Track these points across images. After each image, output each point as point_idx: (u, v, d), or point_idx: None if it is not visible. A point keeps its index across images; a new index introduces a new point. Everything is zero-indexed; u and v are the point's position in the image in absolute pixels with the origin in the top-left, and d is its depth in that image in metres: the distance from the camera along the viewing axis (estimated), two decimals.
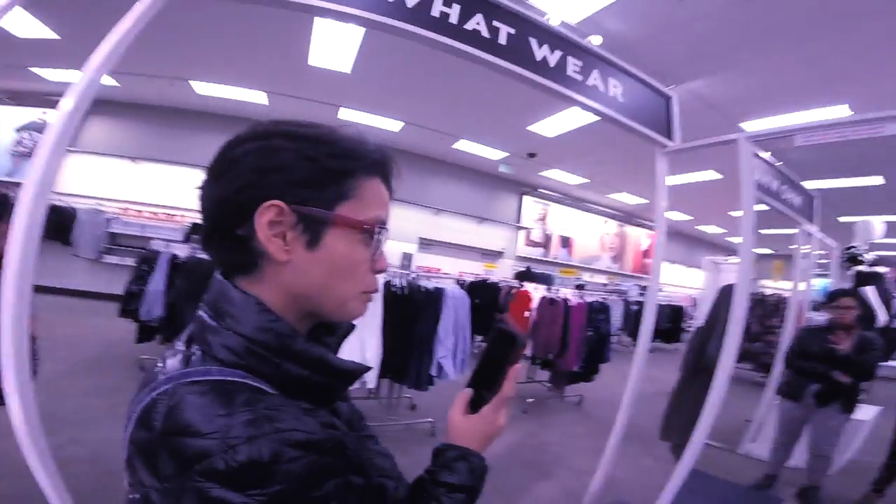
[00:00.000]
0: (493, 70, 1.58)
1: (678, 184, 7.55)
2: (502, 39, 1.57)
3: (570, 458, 3.35)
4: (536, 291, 4.51)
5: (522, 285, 4.85)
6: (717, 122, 4.89)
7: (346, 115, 6.53)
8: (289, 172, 0.47)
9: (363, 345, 2.91)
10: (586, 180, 9.04)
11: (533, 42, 1.64)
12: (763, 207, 2.70)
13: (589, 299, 4.53)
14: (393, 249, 8.06)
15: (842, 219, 6.28)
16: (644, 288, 9.68)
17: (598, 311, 4.45)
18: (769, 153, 2.81)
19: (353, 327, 0.62)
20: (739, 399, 4.12)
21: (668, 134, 2.12)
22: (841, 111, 4.31)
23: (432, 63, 4.54)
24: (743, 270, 1.89)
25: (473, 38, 1.51)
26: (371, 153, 0.52)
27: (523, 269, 9.39)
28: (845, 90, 4.01)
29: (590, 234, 11.63)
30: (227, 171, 0.47)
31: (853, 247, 4.17)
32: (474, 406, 0.61)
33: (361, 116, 6.54)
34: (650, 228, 12.23)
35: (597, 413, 4.45)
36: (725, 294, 2.32)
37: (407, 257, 7.71)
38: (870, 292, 3.90)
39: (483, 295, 5.10)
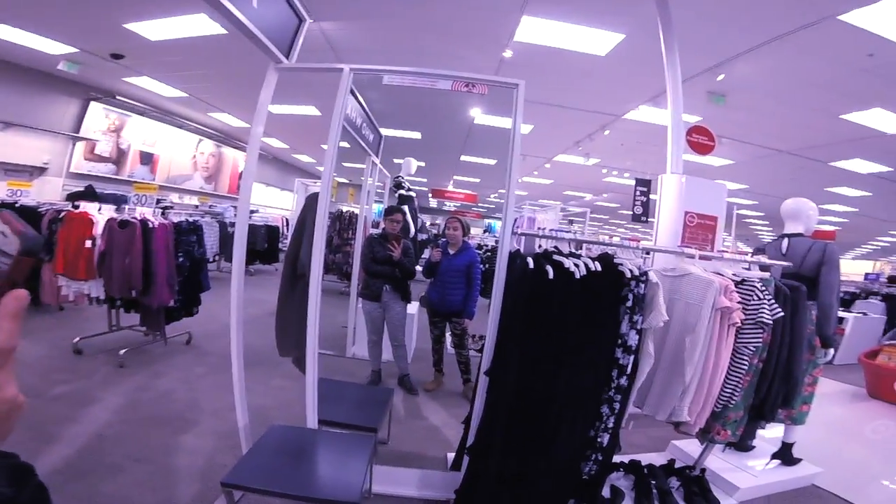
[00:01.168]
0: None
1: (283, 113, 7.64)
2: None
3: (202, 400, 3.02)
4: (102, 214, 3.44)
5: (78, 206, 3.58)
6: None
7: None
8: None
9: None
10: (185, 95, 7.75)
11: None
12: (346, 145, 3.12)
13: (175, 220, 3.87)
14: None
15: (395, 160, 8.40)
16: None
17: (187, 233, 3.87)
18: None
19: None
20: (334, 308, 4.63)
21: (287, 53, 2.14)
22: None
23: None
24: (325, 181, 2.12)
25: None
26: None
27: (82, 188, 7.05)
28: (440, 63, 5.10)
29: (180, 152, 10.05)
30: None
31: (399, 176, 5.64)
32: None
33: None
34: None
35: (212, 347, 4.10)
36: (310, 200, 2.49)
37: None
38: (406, 210, 5.44)
39: None
